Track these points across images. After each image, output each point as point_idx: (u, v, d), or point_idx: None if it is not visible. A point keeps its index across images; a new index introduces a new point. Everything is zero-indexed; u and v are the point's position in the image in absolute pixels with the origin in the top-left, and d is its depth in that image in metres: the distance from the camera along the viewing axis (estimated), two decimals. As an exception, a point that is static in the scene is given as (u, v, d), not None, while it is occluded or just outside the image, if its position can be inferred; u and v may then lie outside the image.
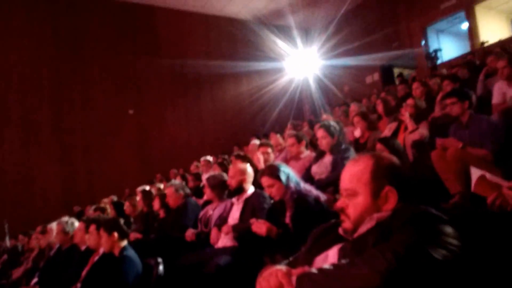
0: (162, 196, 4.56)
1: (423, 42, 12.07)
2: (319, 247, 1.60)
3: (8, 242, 7.88)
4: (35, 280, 4.84)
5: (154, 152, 11.52)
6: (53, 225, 5.05)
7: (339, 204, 1.58)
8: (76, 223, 4.49)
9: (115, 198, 6.95)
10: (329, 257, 1.51)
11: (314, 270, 1.32)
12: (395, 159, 1.63)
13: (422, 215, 1.37)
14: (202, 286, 3.28)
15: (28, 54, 10.79)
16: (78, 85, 11.23)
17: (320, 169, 4.10)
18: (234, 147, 9.74)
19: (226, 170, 4.71)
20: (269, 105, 12.71)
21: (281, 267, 1.39)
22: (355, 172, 1.56)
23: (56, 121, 10.86)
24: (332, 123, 4.35)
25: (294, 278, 1.30)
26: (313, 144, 5.62)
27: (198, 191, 5.45)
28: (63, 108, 11.01)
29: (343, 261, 1.33)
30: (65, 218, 4.66)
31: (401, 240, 1.28)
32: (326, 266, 1.32)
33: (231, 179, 3.67)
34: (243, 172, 3.67)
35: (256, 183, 3.73)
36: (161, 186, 6.60)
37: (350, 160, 1.64)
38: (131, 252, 3.24)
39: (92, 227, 3.55)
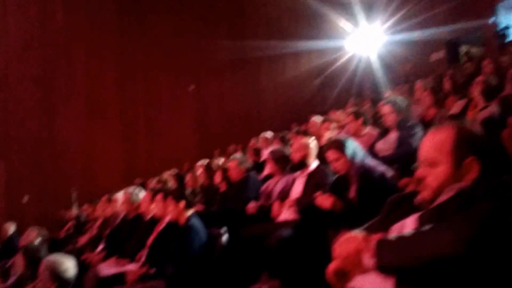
0: (224, 169, 4.63)
1: (492, 19, 11.35)
2: (395, 216, 1.56)
3: (76, 210, 8.32)
4: (100, 247, 5.08)
5: (212, 128, 11.73)
6: (119, 195, 5.27)
7: (419, 174, 1.52)
8: (142, 193, 4.65)
9: (175, 171, 7.13)
10: (407, 226, 1.47)
11: (393, 235, 1.28)
12: (478, 130, 1.54)
13: (506, 186, 1.31)
14: (263, 258, 3.32)
15: (94, 28, 11.25)
16: (141, 61, 11.59)
17: (385, 146, 4.00)
18: (292, 124, 9.69)
19: (286, 146, 4.72)
20: (329, 84, 12.51)
21: (359, 233, 1.37)
22: (436, 142, 1.50)
23: (119, 96, 11.29)
24: (399, 98, 4.22)
25: (372, 244, 1.27)
26: (376, 121, 5.49)
27: (257, 167, 5.49)
28: (126, 84, 11.42)
29: (424, 228, 1.29)
30: (131, 188, 4.85)
31: (485, 210, 1.23)
32: (407, 232, 1.29)
33: (294, 153, 3.67)
34: (306, 147, 3.65)
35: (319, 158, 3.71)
36: (221, 161, 6.69)
37: (431, 130, 1.57)
38: (196, 221, 3.32)
39: (159, 197, 3.66)
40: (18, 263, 4.17)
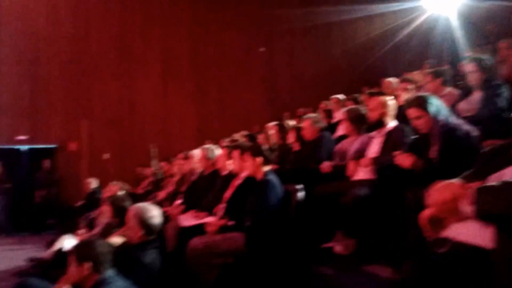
0: (297, 129, 4.65)
1: None
2: (492, 166, 1.52)
3: (155, 165, 8.76)
4: (178, 202, 5.34)
5: (282, 91, 11.78)
6: (195, 152, 5.48)
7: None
8: (217, 150, 4.81)
9: (247, 132, 7.25)
10: (505, 175, 1.42)
11: (495, 182, 1.25)
12: None
13: None
14: (338, 217, 3.35)
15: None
16: (213, 24, 11.76)
17: (468, 107, 3.82)
18: (364, 87, 9.48)
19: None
20: (403, 45, 12.02)
21: (456, 180, 1.35)
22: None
23: (192, 60, 11.59)
24: (484, 57, 3.99)
25: (471, 190, 1.24)
26: (456, 83, 5.24)
27: (329, 128, 5.46)
28: (199, 48, 11.67)
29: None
30: (208, 145, 5.02)
31: None
32: (508, 179, 1.25)
33: (371, 112, 3.60)
34: (384, 105, 3.57)
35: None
36: (292, 122, 6.70)
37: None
38: (273, 177, 3.40)
39: (236, 153, 3.76)
40: (105, 212, 4.48)
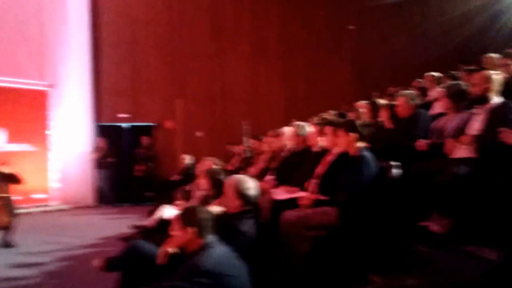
0: (391, 106, 4.54)
1: None
2: None
3: (247, 142, 9.01)
4: (269, 177, 5.47)
5: (372, 69, 11.45)
6: (286, 129, 5.57)
7: None
8: (308, 127, 4.86)
9: (336, 111, 7.19)
10: None
11: None
12: None
13: None
14: (434, 195, 3.25)
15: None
16: (302, 3, 11.70)
17: None
18: (460, 64, 8.93)
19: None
20: (501, 18, 11.15)
21: None
22: None
23: (281, 38, 11.64)
24: None
25: None
26: None
27: (423, 107, 5.26)
28: (288, 26, 11.68)
29: None
30: (298, 122, 5.09)
31: None
32: None
33: (475, 87, 3.42)
34: (488, 80, 3.37)
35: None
36: (383, 100, 6.53)
37: None
38: (367, 153, 3.38)
39: (329, 129, 3.78)
40: (202, 185, 4.72)
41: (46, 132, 10.15)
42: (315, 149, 4.45)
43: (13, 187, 6.54)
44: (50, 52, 10.28)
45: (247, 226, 3.07)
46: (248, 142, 8.91)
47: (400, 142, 4.11)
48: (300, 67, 11.64)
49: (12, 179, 6.47)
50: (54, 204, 10.06)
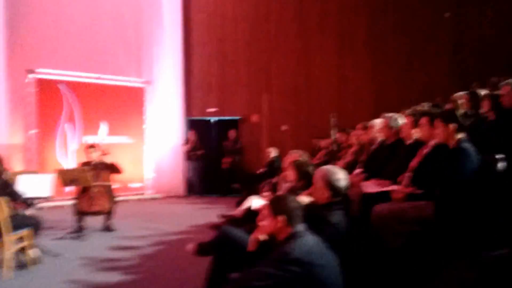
0: (493, 97, 4.22)
1: None
2: None
3: (334, 135, 8.89)
4: (357, 171, 5.33)
5: (470, 59, 10.68)
6: (376, 121, 5.39)
7: None
8: (401, 119, 4.65)
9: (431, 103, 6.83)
10: None
11: None
12: None
13: None
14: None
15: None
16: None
17: None
18: None
19: None
20: None
21: None
22: None
23: (370, 29, 11.29)
24: None
25: None
26: None
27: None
28: (377, 16, 11.28)
29: None
30: (390, 114, 4.89)
31: None
32: None
33: None
34: None
35: None
36: (483, 91, 6.09)
37: None
38: (468, 145, 3.16)
39: (425, 120, 3.59)
40: (289, 176, 4.72)
41: (142, 125, 10.78)
42: (408, 141, 4.26)
43: (113, 176, 7.03)
44: (147, 52, 10.95)
45: (337, 217, 3.01)
46: (335, 135, 8.77)
47: (505, 134, 3.80)
48: (391, 58, 11.19)
49: (113, 169, 6.96)
50: (148, 193, 10.67)
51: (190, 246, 3.48)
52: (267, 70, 11.64)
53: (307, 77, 11.52)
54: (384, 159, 4.64)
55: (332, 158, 7.95)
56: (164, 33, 11.11)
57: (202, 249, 3.40)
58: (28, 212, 5.15)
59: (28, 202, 5.04)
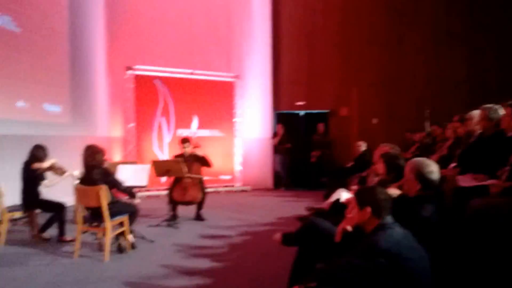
0: None
1: None
2: None
3: (428, 128, 8.51)
4: (452, 165, 5.04)
5: None
6: (474, 113, 5.04)
7: None
8: (501, 110, 4.32)
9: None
10: None
11: None
12: None
13: None
14: None
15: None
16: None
17: None
18: None
19: None
20: None
21: None
22: None
23: (463, 19, 10.63)
24: None
25: None
26: None
27: None
28: (475, 6, 10.61)
29: None
30: (489, 105, 4.55)
31: None
32: None
33: None
34: None
35: None
36: None
37: None
38: None
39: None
40: (378, 169, 4.60)
41: (232, 119, 11.08)
42: (509, 133, 3.94)
43: (204, 168, 7.32)
44: (236, 46, 11.21)
45: (428, 211, 2.88)
46: (429, 128, 8.36)
47: None
48: (490, 48, 10.42)
49: (203, 162, 7.24)
50: (237, 185, 10.96)
51: (277, 236, 3.54)
52: (357, 62, 11.39)
53: (398, 69, 11.12)
54: (482, 152, 4.34)
55: (425, 151, 7.59)
56: (254, 27, 11.31)
57: (288, 239, 3.43)
58: (130, 200, 5.54)
59: (127, 191, 5.42)
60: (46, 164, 5.69)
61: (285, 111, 11.87)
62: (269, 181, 11.30)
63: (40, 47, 7.98)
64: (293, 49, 11.79)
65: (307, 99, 11.66)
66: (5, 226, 5.49)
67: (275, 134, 11.40)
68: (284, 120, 11.68)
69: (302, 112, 11.90)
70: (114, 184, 5.14)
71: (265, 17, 11.44)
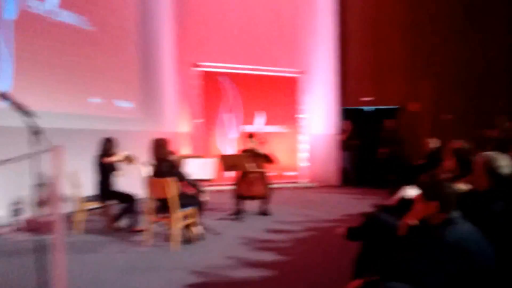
0: None
1: None
2: None
3: (505, 123, 8.02)
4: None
5: None
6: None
7: None
8: None
9: None
10: None
11: None
12: None
13: None
14: None
15: None
16: None
17: None
18: None
19: None
20: None
21: None
22: None
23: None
24: None
25: None
26: None
27: None
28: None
29: None
30: None
31: None
32: None
33: None
34: None
35: None
36: None
37: None
38: None
39: None
40: (448, 166, 4.42)
41: (297, 115, 11.06)
42: None
43: (268, 164, 7.38)
44: (301, 41, 11.17)
45: (498, 206, 2.75)
46: (505, 124, 7.88)
47: None
48: None
49: (268, 158, 7.30)
50: (302, 182, 10.94)
51: (340, 229, 3.51)
52: (427, 55, 10.94)
53: (472, 61, 10.54)
54: None
55: (502, 148, 7.17)
56: (319, 21, 11.20)
57: (352, 233, 3.40)
58: (197, 194, 5.72)
59: (194, 184, 5.59)
60: (116, 157, 5.99)
61: (352, 107, 11.66)
62: (335, 178, 11.17)
63: (112, 45, 8.46)
64: (359, 43, 11.55)
65: (375, 95, 11.38)
66: (83, 215, 5.87)
67: (341, 131, 11.24)
68: (351, 116, 11.49)
69: (369, 108, 11.63)
70: (181, 177, 5.32)
71: (331, 11, 11.28)
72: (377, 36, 11.37)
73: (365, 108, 11.64)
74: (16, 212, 2.76)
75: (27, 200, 5.70)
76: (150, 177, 5.26)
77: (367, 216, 3.58)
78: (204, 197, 5.69)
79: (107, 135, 6.15)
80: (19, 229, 5.53)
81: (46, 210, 3.10)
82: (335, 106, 11.38)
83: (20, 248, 4.93)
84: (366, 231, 3.19)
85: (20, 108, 2.90)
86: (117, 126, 8.15)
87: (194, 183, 5.59)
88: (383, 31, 11.34)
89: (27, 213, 5.81)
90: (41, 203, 5.62)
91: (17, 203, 2.84)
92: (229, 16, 10.64)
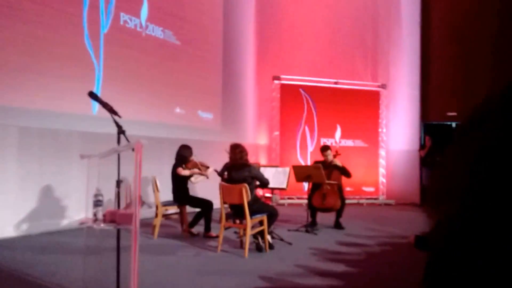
0: None
1: None
2: None
3: None
4: None
5: None
6: None
7: None
8: None
9: None
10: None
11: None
12: None
13: None
14: None
15: None
16: None
17: None
18: None
19: None
20: None
21: None
22: None
23: None
24: None
25: None
26: None
27: None
28: None
29: None
30: None
31: None
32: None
33: None
34: None
35: None
36: None
37: None
38: None
39: None
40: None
41: (378, 129, 10.82)
42: None
43: (345, 179, 7.27)
44: (383, 54, 10.97)
45: None
46: None
47: None
48: None
49: (343, 171, 7.19)
50: (381, 198, 10.63)
51: (411, 237, 3.41)
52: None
53: None
54: None
55: None
56: (402, 34, 10.96)
57: (420, 241, 3.28)
58: (272, 203, 5.80)
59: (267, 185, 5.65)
60: (187, 172, 6.21)
61: (434, 122, 11.18)
62: (415, 195, 10.72)
63: (196, 58, 8.90)
64: (444, 56, 11.09)
65: (459, 109, 10.81)
66: (160, 219, 6.17)
67: (422, 146, 10.80)
68: (434, 131, 11.01)
69: (454, 123, 11.07)
70: (261, 179, 5.42)
71: (415, 23, 10.99)
72: (463, 49, 10.85)
73: (450, 123, 11.09)
74: (97, 203, 3.00)
75: (107, 193, 6.11)
76: (225, 183, 5.40)
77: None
78: (277, 207, 5.74)
79: (190, 145, 6.42)
80: (98, 220, 5.93)
81: (124, 205, 3.32)
82: (417, 121, 10.99)
83: (98, 242, 5.30)
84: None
85: (106, 107, 3.14)
86: (199, 136, 8.51)
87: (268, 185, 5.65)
88: (469, 44, 10.79)
89: (107, 206, 6.22)
90: (121, 197, 5.98)
91: (97, 195, 3.09)
92: (309, 30, 10.75)
